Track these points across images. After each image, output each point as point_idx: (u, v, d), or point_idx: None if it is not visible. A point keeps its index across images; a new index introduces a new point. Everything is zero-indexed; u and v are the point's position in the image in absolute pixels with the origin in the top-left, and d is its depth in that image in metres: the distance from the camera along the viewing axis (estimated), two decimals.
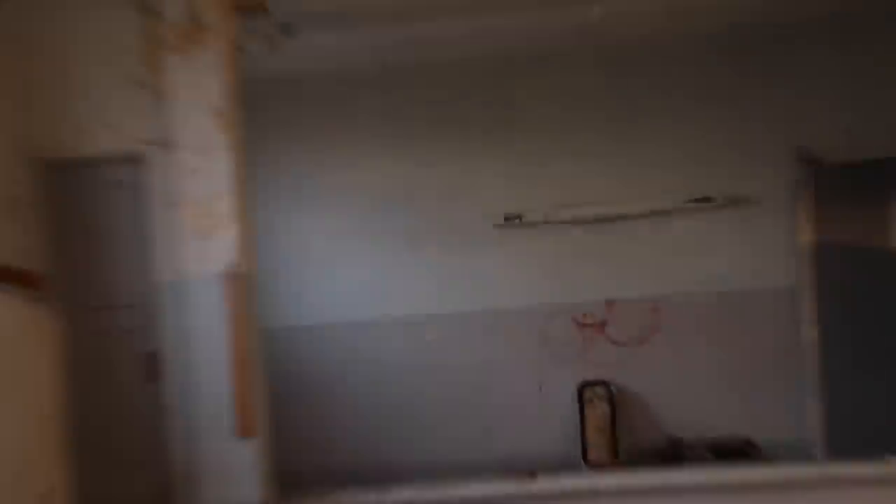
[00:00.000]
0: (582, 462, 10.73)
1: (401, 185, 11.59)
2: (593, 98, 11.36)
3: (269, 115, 10.94)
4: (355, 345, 11.50)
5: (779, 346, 10.94)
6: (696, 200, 11.03)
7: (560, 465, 10.30)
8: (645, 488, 8.24)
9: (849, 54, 10.95)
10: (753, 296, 11.06)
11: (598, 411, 10.85)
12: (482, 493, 8.40)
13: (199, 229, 8.29)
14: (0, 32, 8.55)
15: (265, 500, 8.36)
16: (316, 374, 11.40)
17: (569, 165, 11.34)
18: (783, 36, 11.04)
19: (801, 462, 9.84)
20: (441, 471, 10.04)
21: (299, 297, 11.55)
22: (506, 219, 11.22)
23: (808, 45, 11.01)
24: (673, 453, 10.71)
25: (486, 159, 11.48)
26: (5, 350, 7.62)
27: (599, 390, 10.90)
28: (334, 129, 11.64)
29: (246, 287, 8.40)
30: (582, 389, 10.94)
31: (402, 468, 10.43)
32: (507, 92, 11.50)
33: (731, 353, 11.01)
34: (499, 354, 11.35)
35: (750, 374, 10.95)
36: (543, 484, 8.59)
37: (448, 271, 11.44)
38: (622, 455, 10.76)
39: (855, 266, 10.74)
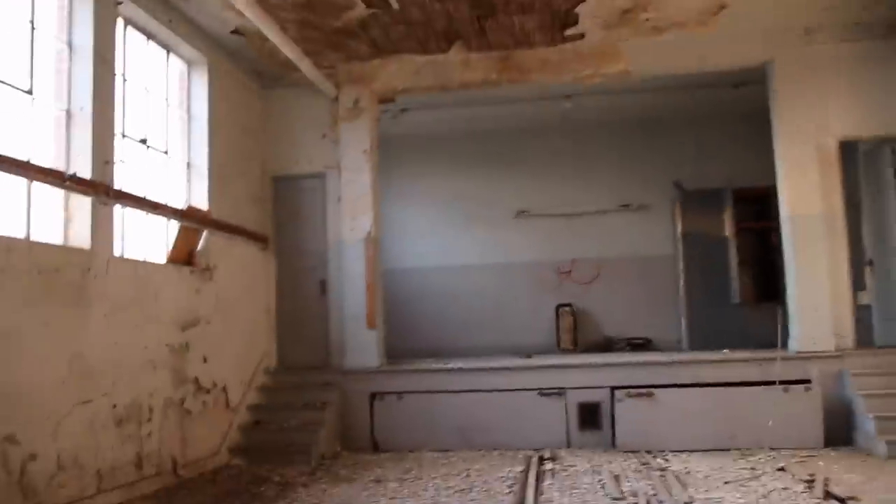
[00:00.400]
0: (557, 348, 12.37)
1: (460, 191, 13.35)
2: (566, 148, 13.17)
3: (393, 154, 12.49)
4: (433, 279, 13.20)
5: (665, 287, 12.78)
6: (622, 206, 13.00)
7: (546, 351, 12.13)
8: (591, 363, 9.76)
9: (697, 136, 12.82)
10: (652, 259, 12.87)
11: (567, 320, 12.59)
12: (501, 364, 9.87)
13: (352, 213, 10.08)
14: (265, 109, 10.47)
15: (380, 364, 9.87)
16: (410, 295, 12.98)
17: (554, 184, 13.17)
18: (666, 122, 12.85)
19: (674, 351, 11.54)
20: (479, 352, 11.90)
21: (402, 252, 13.16)
22: (518, 212, 13.18)
23: (681, 128, 12.87)
24: (606, 345, 12.44)
25: (507, 179, 13.30)
26: (249, 273, 9.61)
27: (567, 309, 12.64)
28: (426, 162, 13.43)
29: (375, 245, 10.03)
30: (557, 308, 12.67)
31: (456, 350, 12.09)
32: (520, 144, 13.21)
33: (639, 290, 12.83)
34: (512, 288, 13.05)
35: (649, 301, 12.77)
36: (536, 360, 10.20)
37: (486, 241, 13.19)
38: (580, 345, 12.39)
39: (703, 245, 12.53)
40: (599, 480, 7.40)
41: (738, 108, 12.03)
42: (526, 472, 7.88)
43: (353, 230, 10.15)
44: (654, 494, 6.74)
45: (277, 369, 10.16)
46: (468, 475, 7.82)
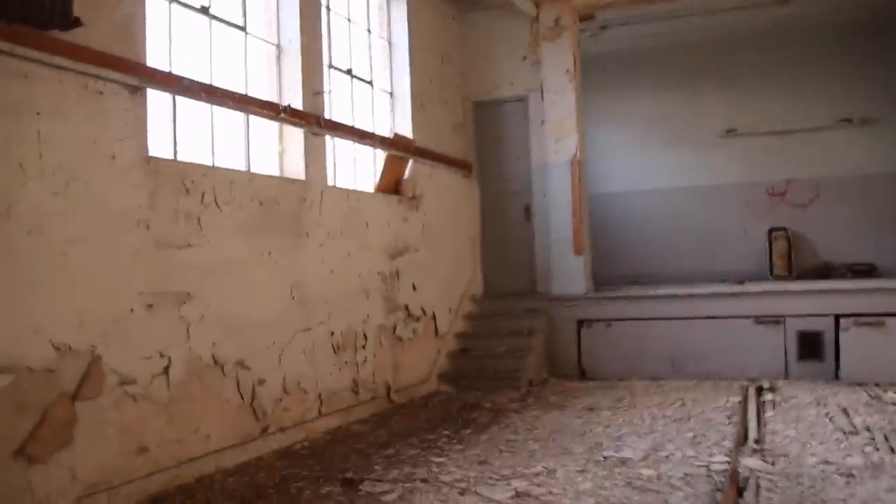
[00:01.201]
0: (770, 275, 11.66)
1: (664, 111, 12.69)
2: (779, 60, 12.18)
3: (594, 75, 11.97)
4: (637, 204, 12.73)
5: (892, 208, 11.62)
6: (842, 120, 11.93)
7: (757, 278, 11.42)
8: (813, 290, 9.22)
9: None
10: (876, 178, 11.75)
11: (780, 245, 11.80)
12: (714, 290, 9.54)
13: (556, 136, 9.88)
14: (462, 35, 10.36)
15: (587, 290, 9.71)
16: (614, 220, 12.54)
17: (765, 100, 12.26)
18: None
19: None
20: (685, 278, 11.44)
21: (604, 176, 12.72)
22: (726, 131, 12.43)
23: None
24: (825, 271, 11.64)
25: (714, 96, 12.53)
26: (453, 200, 9.63)
27: (781, 233, 11.83)
28: (628, 81, 12.82)
29: (580, 168, 9.81)
30: (770, 232, 11.90)
31: (662, 277, 11.67)
32: (728, 57, 12.33)
33: (862, 212, 11.77)
34: (721, 212, 12.39)
35: (874, 223, 11.71)
36: (748, 287, 9.77)
37: (692, 162, 12.55)
38: (794, 271, 11.62)
39: None
40: (826, 413, 6.97)
41: None
42: (745, 402, 7.57)
43: (557, 153, 9.97)
44: (893, 430, 6.22)
45: (483, 297, 10.17)
46: (683, 404, 7.61)
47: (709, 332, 9.19)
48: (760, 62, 12.30)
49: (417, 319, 8.63)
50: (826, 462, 5.35)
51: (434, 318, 9.04)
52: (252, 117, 6.60)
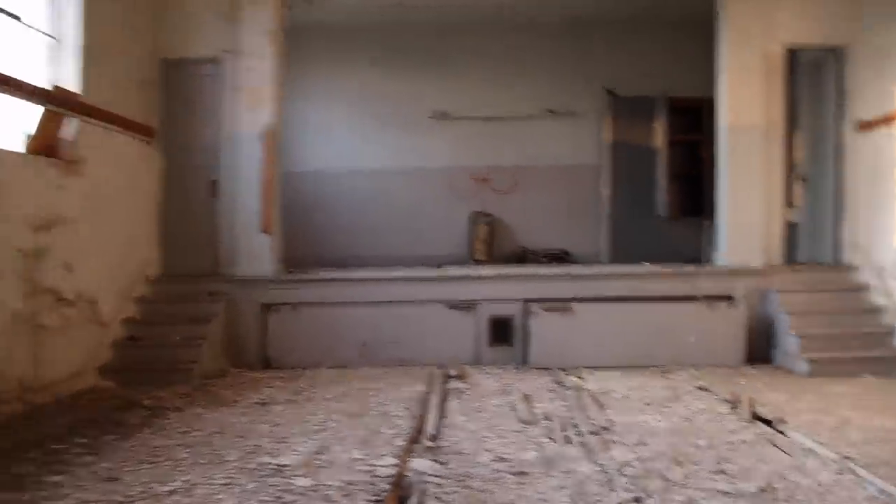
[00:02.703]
0: (471, 260, 11.54)
1: (376, 89, 12.11)
2: (492, 49, 12.06)
3: (305, 46, 11.58)
4: (343, 184, 12.04)
5: (587, 198, 11.93)
6: (547, 111, 11.99)
7: (459, 262, 11.30)
8: (505, 275, 9.01)
9: (632, 40, 11.82)
10: (576, 169, 11.97)
11: (482, 230, 11.72)
12: (408, 274, 9.12)
13: (250, 105, 9.01)
14: None
15: (275, 272, 8.89)
16: (318, 200, 11.93)
17: (477, 86, 12.07)
18: (601, 25, 11.82)
19: (595, 264, 10.81)
20: (389, 261, 10.97)
21: (310, 154, 12.02)
22: (436, 114, 12.07)
23: (616, 32, 11.85)
24: (522, 256, 11.65)
25: (427, 77, 12.12)
26: (129, 169, 8.45)
27: (483, 218, 11.76)
28: (341, 56, 12.13)
29: (275, 142, 9.02)
30: (473, 217, 11.79)
31: (365, 260, 11.17)
32: (444, 41, 12.05)
33: (561, 201, 11.96)
34: (427, 195, 12.05)
35: (570, 213, 11.94)
36: (446, 270, 9.45)
37: (400, 143, 12.09)
38: (494, 257, 11.59)
39: (632, 155, 11.67)
40: (509, 402, 6.75)
41: (677, 13, 11.19)
42: (429, 392, 7.15)
43: (250, 124, 9.02)
44: (571, 418, 6.12)
45: (160, 278, 8.97)
46: (366, 395, 7.05)
47: (403, 318, 8.78)
48: (475, 48, 12.12)
49: (72, 304, 7.29)
50: (500, 459, 5.01)
51: (95, 302, 7.73)
52: None
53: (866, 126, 8.84)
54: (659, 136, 11.54)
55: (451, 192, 12.18)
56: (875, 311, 8.55)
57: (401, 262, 11.07)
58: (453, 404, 6.69)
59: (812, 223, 9.53)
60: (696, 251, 10.93)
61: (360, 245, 11.91)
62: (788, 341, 8.34)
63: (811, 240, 9.57)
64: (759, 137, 9.07)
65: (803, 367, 7.94)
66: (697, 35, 10.12)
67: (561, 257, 11.74)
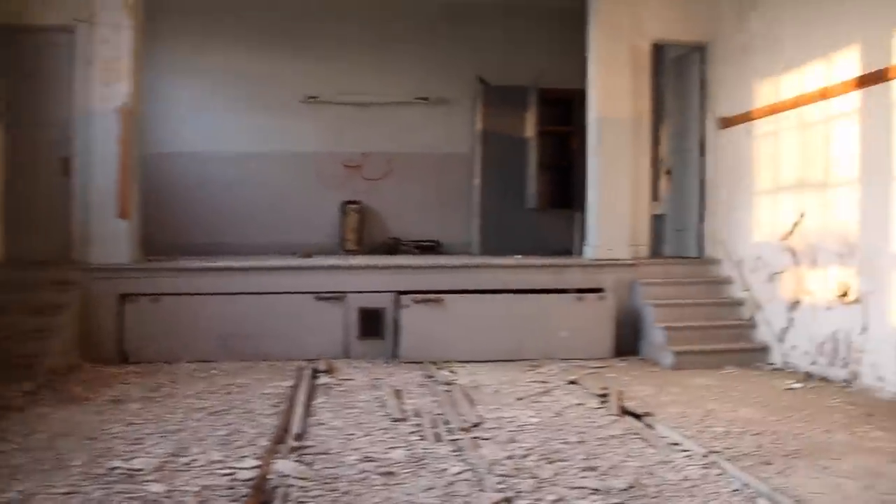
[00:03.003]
0: (341, 250, 11.25)
1: (243, 70, 11.60)
2: (365, 33, 11.77)
3: (169, 21, 10.95)
4: (208, 168, 11.52)
5: (459, 188, 11.85)
6: (420, 98, 11.83)
7: (330, 252, 11.02)
8: (375, 265, 8.86)
9: (505, 29, 11.75)
10: (449, 157, 11.89)
11: (352, 219, 11.46)
12: (275, 263, 8.80)
13: (105, 80, 8.46)
14: None
15: (133, 260, 8.46)
16: (180, 184, 11.38)
17: (349, 70, 11.74)
18: (474, 12, 11.74)
19: (466, 255, 10.84)
20: (256, 250, 10.56)
21: (172, 135, 11.41)
22: (306, 97, 11.68)
23: (489, 20, 11.76)
24: (393, 247, 11.43)
25: (297, 60, 11.68)
26: None
27: (354, 206, 11.49)
28: (207, 33, 11.59)
29: (132, 119, 8.53)
30: (343, 206, 11.49)
31: (231, 248, 10.63)
32: (315, 22, 11.65)
33: (433, 190, 11.86)
34: (296, 182, 11.67)
35: (441, 202, 11.85)
36: (314, 260, 9.27)
37: (268, 127, 11.61)
38: (364, 247, 11.33)
39: (504, 145, 11.57)
40: (379, 397, 6.58)
41: (550, 3, 11.25)
42: (296, 387, 6.87)
43: (105, 100, 8.43)
44: (441, 414, 6.00)
45: (4, 265, 8.28)
46: (229, 392, 6.74)
47: (269, 310, 8.44)
48: (347, 32, 11.79)
49: None
50: (367, 459, 4.82)
51: None
52: None
53: (727, 123, 9.09)
54: (530, 126, 11.52)
55: (321, 179, 11.89)
56: (736, 304, 8.84)
57: (270, 250, 10.71)
58: (321, 401, 6.46)
59: (678, 217, 9.83)
60: (567, 243, 10.97)
61: (227, 232, 11.36)
62: (655, 334, 8.46)
63: (677, 233, 9.87)
64: (628, 130, 9.18)
65: (669, 359, 8.07)
66: (570, 26, 10.09)
67: (432, 247, 11.62)
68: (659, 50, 9.56)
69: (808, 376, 7.55)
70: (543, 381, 7.29)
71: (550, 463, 4.74)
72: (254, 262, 8.86)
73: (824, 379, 7.39)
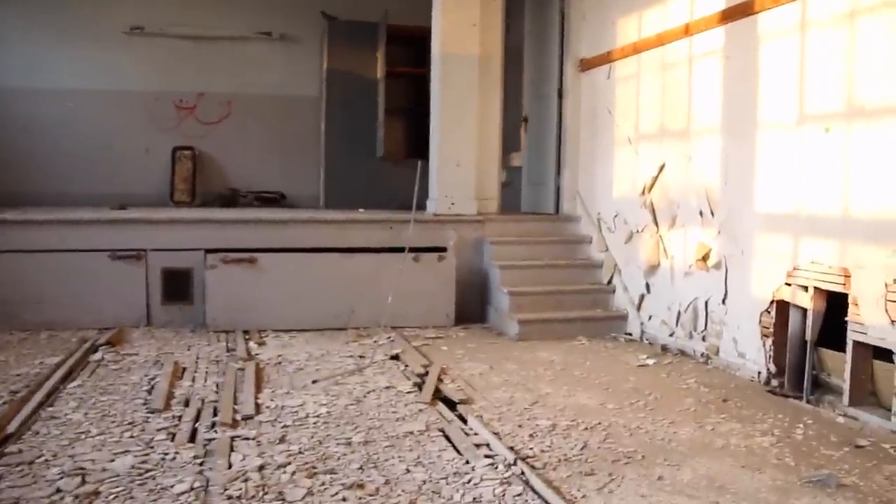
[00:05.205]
0: (170, 201, 10.15)
1: None
2: None
3: None
4: (16, 106, 10.13)
5: (306, 134, 10.70)
6: (262, 33, 10.62)
7: (159, 203, 9.93)
8: (182, 219, 7.75)
9: None
10: (293, 100, 10.72)
11: (184, 167, 10.32)
12: (64, 216, 7.53)
13: None
14: None
15: None
16: None
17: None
18: None
19: (311, 209, 9.66)
20: (72, 202, 9.40)
21: None
22: (132, 28, 10.35)
23: None
24: (231, 199, 10.35)
25: None
26: None
27: (187, 153, 10.36)
28: None
29: None
30: (175, 152, 10.33)
31: (41, 197, 9.50)
32: None
33: (276, 136, 10.70)
34: (121, 123, 10.33)
35: (286, 150, 10.73)
36: (113, 213, 7.91)
37: (88, 61, 10.31)
38: (198, 198, 10.26)
39: (352, 88, 10.37)
40: (154, 378, 5.48)
41: None
42: (59, 366, 5.73)
43: None
44: (214, 402, 4.94)
45: None
46: None
47: (54, 270, 7.23)
48: None
49: None
50: (76, 471, 3.69)
51: None
52: None
53: (587, 65, 8.18)
54: (380, 66, 10.24)
55: (151, 122, 10.55)
56: (595, 266, 8.02)
57: (90, 202, 9.41)
58: (75, 384, 5.30)
59: (535, 170, 8.96)
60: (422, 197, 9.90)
61: (42, 181, 9.99)
62: (500, 298, 7.58)
63: (534, 188, 9.00)
64: (475, 68, 8.10)
65: (514, 328, 7.20)
66: None
67: (275, 200, 10.50)
68: None
69: (665, 350, 6.79)
70: (361, 356, 6.32)
71: (310, 477, 3.69)
72: (36, 214, 7.55)
73: (682, 353, 6.64)
